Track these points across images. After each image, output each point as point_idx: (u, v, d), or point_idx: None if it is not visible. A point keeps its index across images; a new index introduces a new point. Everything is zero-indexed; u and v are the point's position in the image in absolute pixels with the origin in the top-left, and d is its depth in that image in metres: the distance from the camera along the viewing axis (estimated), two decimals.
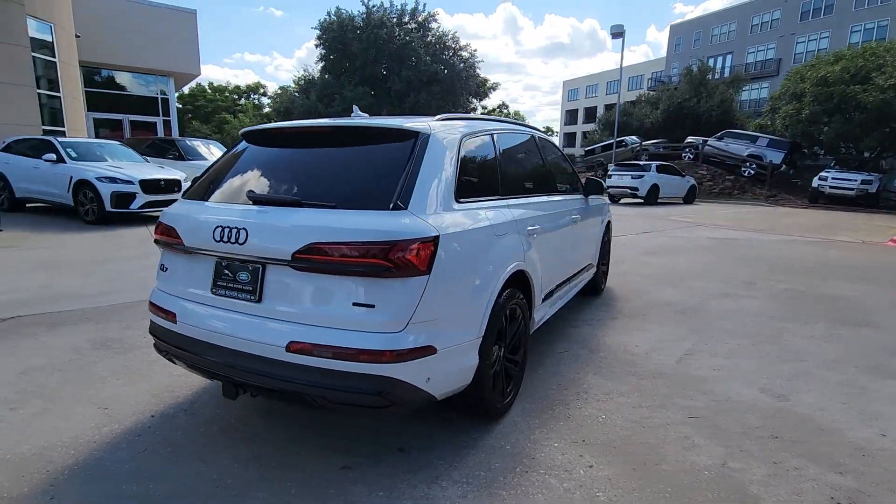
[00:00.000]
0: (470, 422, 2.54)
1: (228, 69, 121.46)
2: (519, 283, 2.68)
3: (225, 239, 2.06)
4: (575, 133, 60.38)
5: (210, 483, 2.04)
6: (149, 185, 9.07)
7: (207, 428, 2.47)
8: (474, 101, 41.53)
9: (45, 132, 12.12)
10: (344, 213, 1.95)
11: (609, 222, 5.15)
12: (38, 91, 12.29)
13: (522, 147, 3.28)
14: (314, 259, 1.88)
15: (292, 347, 1.90)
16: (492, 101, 54.37)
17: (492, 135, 2.81)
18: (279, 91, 34.57)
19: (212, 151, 13.09)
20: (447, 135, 2.34)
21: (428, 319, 1.94)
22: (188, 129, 45.17)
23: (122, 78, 19.56)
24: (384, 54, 26.39)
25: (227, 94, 48.90)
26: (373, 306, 1.88)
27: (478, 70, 30.59)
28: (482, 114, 45.64)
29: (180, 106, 55.13)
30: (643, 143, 24.71)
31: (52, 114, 13.09)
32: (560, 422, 2.58)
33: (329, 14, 27.58)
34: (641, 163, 18.10)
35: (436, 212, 2.05)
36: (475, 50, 30.86)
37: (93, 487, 2.00)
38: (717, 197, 21.08)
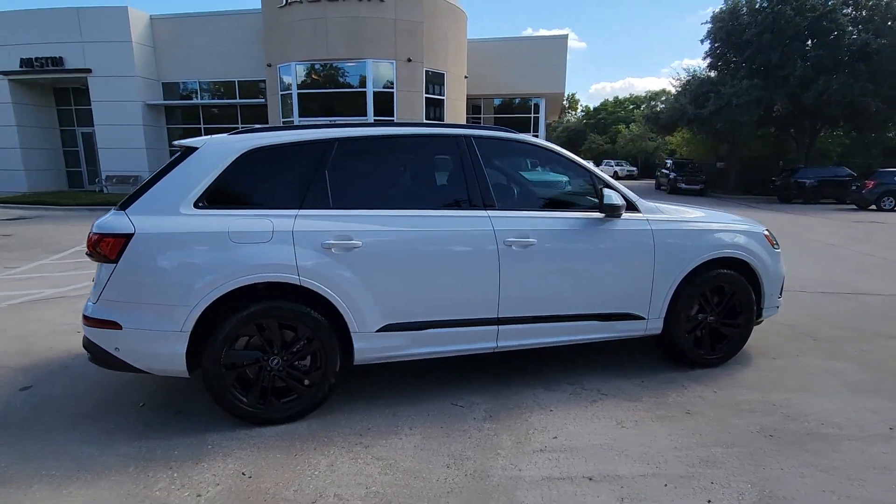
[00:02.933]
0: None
1: (664, 78, 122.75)
2: (305, 298, 2.57)
3: None
4: None
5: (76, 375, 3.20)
6: None
7: None
8: None
9: None
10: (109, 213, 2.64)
11: (741, 261, 3.28)
12: (425, 121, 17.03)
13: (403, 158, 2.89)
14: None
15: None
16: None
17: (329, 144, 2.72)
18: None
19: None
20: (216, 149, 2.60)
21: (115, 300, 2.43)
22: (585, 141, 49.53)
23: (504, 104, 24.01)
24: (785, 35, 21.10)
25: (627, 104, 50.49)
26: (93, 281, 2.53)
27: None
28: None
29: (575, 119, 60.67)
30: None
31: None
32: (274, 453, 2.38)
33: (725, 1, 24.43)
34: None
35: (152, 214, 2.46)
36: None
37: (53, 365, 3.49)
38: None
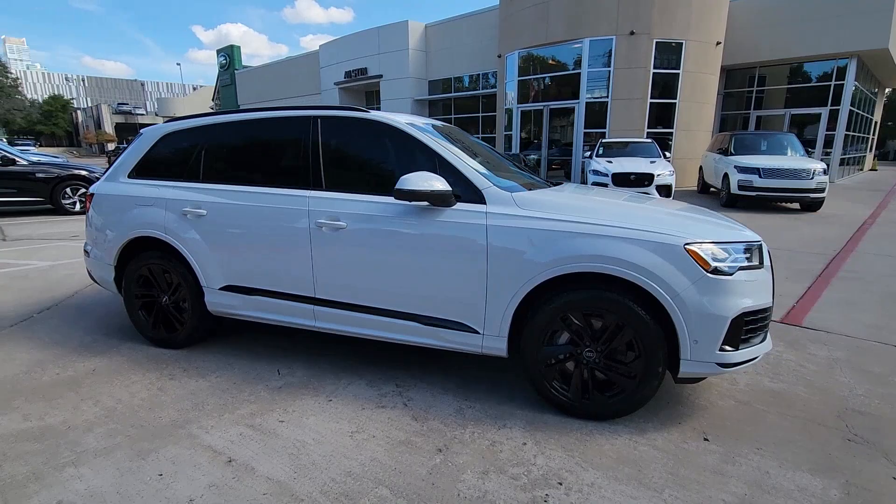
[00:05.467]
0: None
1: None
2: (178, 254, 3.22)
3: None
4: None
5: None
6: (617, 178, 10.21)
7: None
8: None
9: (648, 134, 14.86)
10: None
11: (634, 283, 2.31)
12: (651, 101, 14.98)
13: (261, 139, 3.12)
14: None
15: None
16: None
17: (210, 128, 3.24)
18: None
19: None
20: (148, 134, 3.44)
21: (90, 237, 3.58)
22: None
23: (794, 71, 18.71)
24: None
25: None
26: None
27: None
28: None
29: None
30: None
31: (662, 118, 15.43)
32: (128, 364, 3.12)
33: None
34: None
35: (110, 181, 3.49)
36: None
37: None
38: None
